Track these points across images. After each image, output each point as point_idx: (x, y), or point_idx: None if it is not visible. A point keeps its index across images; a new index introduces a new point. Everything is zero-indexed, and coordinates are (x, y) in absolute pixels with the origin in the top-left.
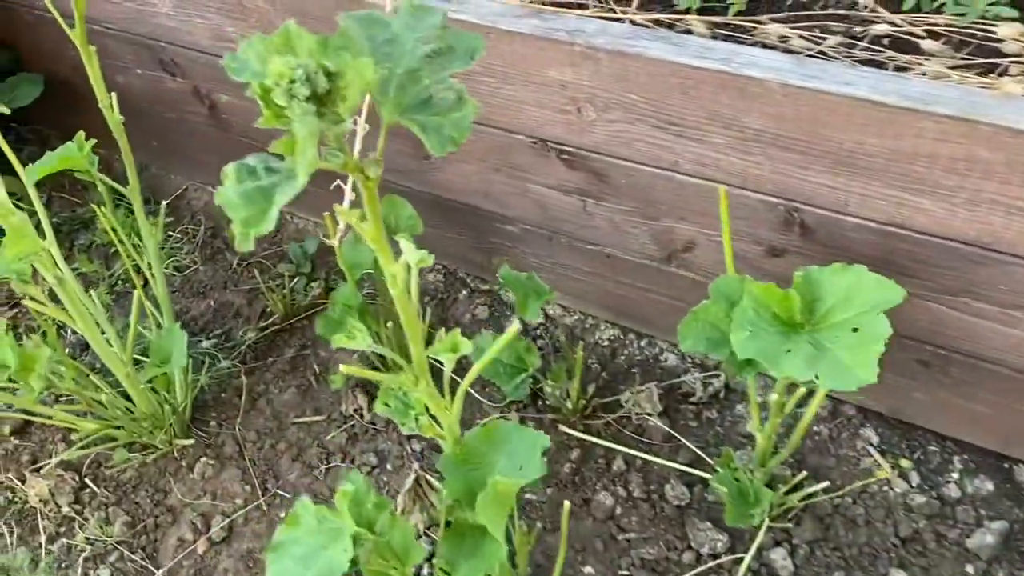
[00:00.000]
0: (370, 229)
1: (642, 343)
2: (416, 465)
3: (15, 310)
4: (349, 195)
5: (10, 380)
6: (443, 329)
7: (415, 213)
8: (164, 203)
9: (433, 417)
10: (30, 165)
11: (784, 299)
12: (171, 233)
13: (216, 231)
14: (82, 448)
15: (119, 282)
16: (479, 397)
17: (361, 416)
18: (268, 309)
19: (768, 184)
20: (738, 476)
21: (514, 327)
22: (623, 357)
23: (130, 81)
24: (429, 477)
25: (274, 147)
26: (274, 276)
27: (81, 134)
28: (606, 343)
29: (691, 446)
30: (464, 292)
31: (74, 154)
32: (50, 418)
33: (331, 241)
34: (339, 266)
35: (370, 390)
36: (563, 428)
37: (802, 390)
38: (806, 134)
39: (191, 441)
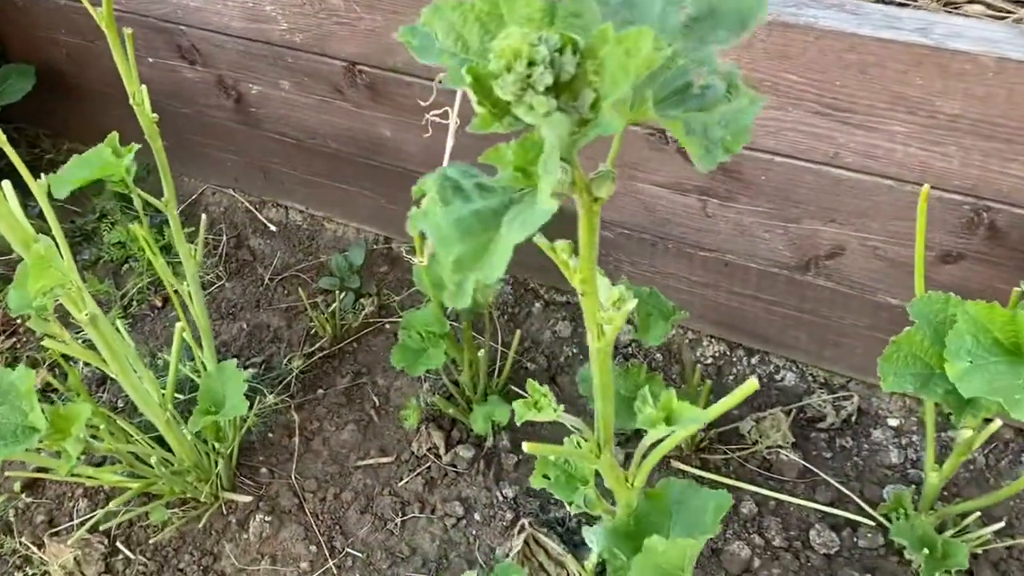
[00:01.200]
0: (582, 267)
1: (753, 360)
2: (524, 522)
3: (13, 339)
4: None
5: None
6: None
7: None
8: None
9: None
10: (49, 175)
11: (1010, 322)
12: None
13: (240, 240)
14: (115, 508)
15: (132, 303)
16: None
17: (438, 457)
18: (313, 331)
19: (955, 179)
20: (919, 525)
21: (751, 383)
22: (732, 377)
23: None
24: (538, 535)
25: (487, 157)
26: (315, 292)
27: (114, 136)
28: (710, 360)
29: (832, 481)
30: (538, 305)
31: (110, 161)
32: (77, 475)
33: (418, 260)
34: (395, 276)
35: (443, 425)
36: (676, 464)
37: (996, 424)
38: (1019, 120)
39: (246, 497)
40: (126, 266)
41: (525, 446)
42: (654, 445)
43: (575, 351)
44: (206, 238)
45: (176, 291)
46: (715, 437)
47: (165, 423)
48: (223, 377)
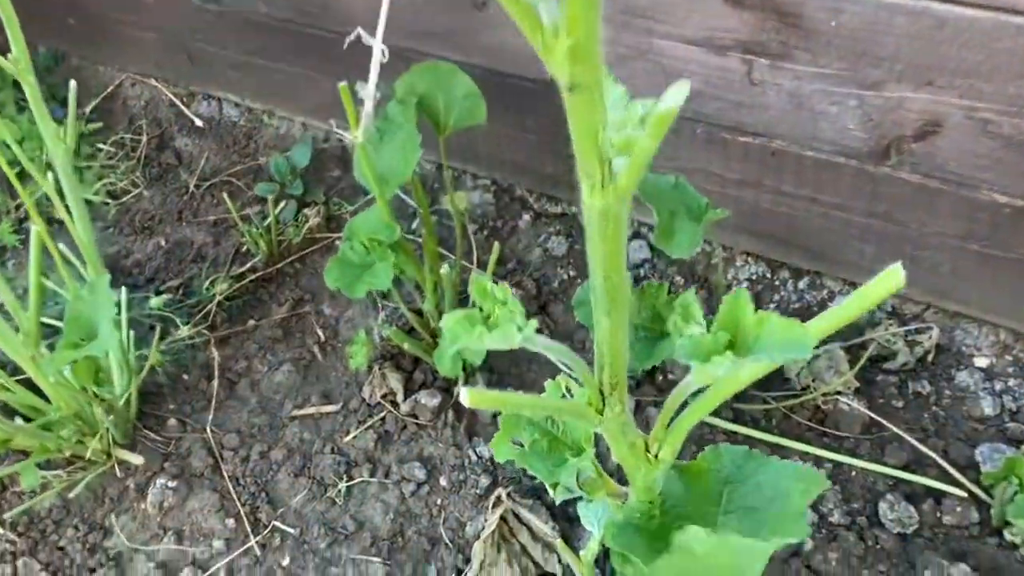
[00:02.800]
0: (572, 24)
1: (801, 284)
2: (501, 492)
3: None
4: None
5: None
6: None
7: (475, 90)
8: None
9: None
10: None
11: None
12: (101, 146)
13: (164, 140)
14: None
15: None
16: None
17: (395, 405)
18: (245, 249)
19: None
20: None
21: (893, 273)
22: (774, 305)
23: None
24: (519, 509)
25: None
26: (250, 202)
27: None
28: (744, 285)
29: (906, 438)
30: (526, 217)
31: None
32: None
33: (351, 136)
34: (349, 182)
35: (402, 365)
36: (706, 419)
37: None
38: None
39: (139, 458)
40: (19, 170)
41: (463, 393)
42: (697, 394)
43: (572, 274)
44: (121, 138)
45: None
46: (753, 380)
47: (31, 360)
48: (94, 299)
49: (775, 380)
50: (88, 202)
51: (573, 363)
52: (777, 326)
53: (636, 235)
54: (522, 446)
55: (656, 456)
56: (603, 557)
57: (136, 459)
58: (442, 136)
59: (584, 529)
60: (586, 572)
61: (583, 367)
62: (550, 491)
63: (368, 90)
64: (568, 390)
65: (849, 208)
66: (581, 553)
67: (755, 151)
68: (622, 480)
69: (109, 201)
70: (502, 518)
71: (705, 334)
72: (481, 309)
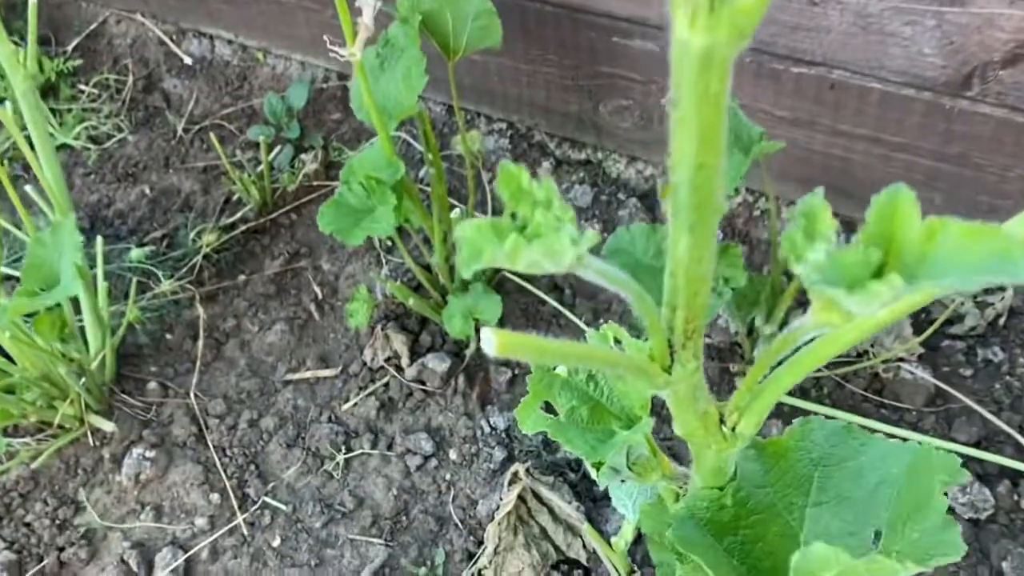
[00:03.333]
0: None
1: (852, 237)
2: (519, 467)
3: None
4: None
5: None
6: None
7: (489, 6)
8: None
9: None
10: None
11: None
12: (83, 87)
13: (152, 82)
14: None
15: (3, 161)
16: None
17: (399, 370)
18: (236, 198)
19: None
20: None
21: None
22: None
23: None
24: (540, 487)
25: None
26: (243, 147)
27: None
28: None
29: (977, 410)
30: (546, 164)
31: None
32: None
33: (347, 54)
34: (351, 125)
35: (408, 325)
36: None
37: None
38: None
39: (110, 425)
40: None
41: (487, 337)
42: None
43: (597, 227)
44: (105, 79)
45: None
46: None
47: None
48: (57, 243)
49: None
50: (68, 147)
51: (638, 299)
52: (960, 236)
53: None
54: (554, 415)
55: (733, 430)
56: (636, 543)
57: (108, 426)
58: (452, 61)
59: (611, 509)
60: (619, 562)
61: (651, 307)
62: (592, 472)
63: None
64: (617, 341)
65: (916, 150)
66: (612, 540)
67: (810, 84)
68: (682, 461)
69: (91, 146)
70: (520, 498)
71: (846, 251)
72: (513, 216)
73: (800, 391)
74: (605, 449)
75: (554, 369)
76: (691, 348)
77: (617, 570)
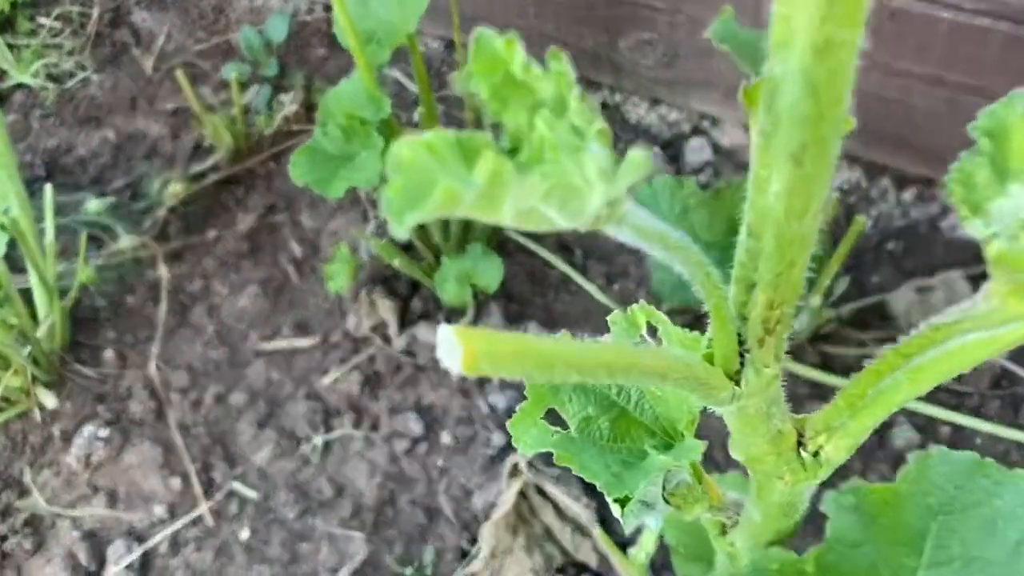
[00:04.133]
0: None
1: (906, 194)
2: (520, 461)
3: None
4: None
5: None
6: None
7: None
8: None
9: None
10: None
11: None
12: (43, 20)
13: (119, 15)
14: None
15: None
16: (590, 291)
17: (386, 340)
18: (207, 144)
19: None
20: None
21: None
22: (870, 222)
23: None
24: (544, 482)
25: None
26: (217, 88)
27: None
28: (835, 194)
29: None
30: None
31: None
32: None
33: None
34: (337, 62)
35: (396, 289)
36: (787, 364)
37: None
38: None
39: (51, 400)
40: None
41: (445, 338)
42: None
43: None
44: (67, 11)
45: None
46: (847, 317)
47: None
48: None
49: (874, 317)
50: (25, 87)
51: (702, 275)
52: None
53: (696, 131)
54: (562, 429)
55: (815, 455)
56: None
57: (51, 401)
58: None
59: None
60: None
61: (716, 287)
62: (614, 510)
63: None
64: (653, 331)
65: (988, 91)
66: (631, 551)
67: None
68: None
69: (50, 85)
70: (520, 493)
71: None
72: (495, 131)
73: (843, 367)
74: (634, 478)
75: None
76: (771, 347)
77: None
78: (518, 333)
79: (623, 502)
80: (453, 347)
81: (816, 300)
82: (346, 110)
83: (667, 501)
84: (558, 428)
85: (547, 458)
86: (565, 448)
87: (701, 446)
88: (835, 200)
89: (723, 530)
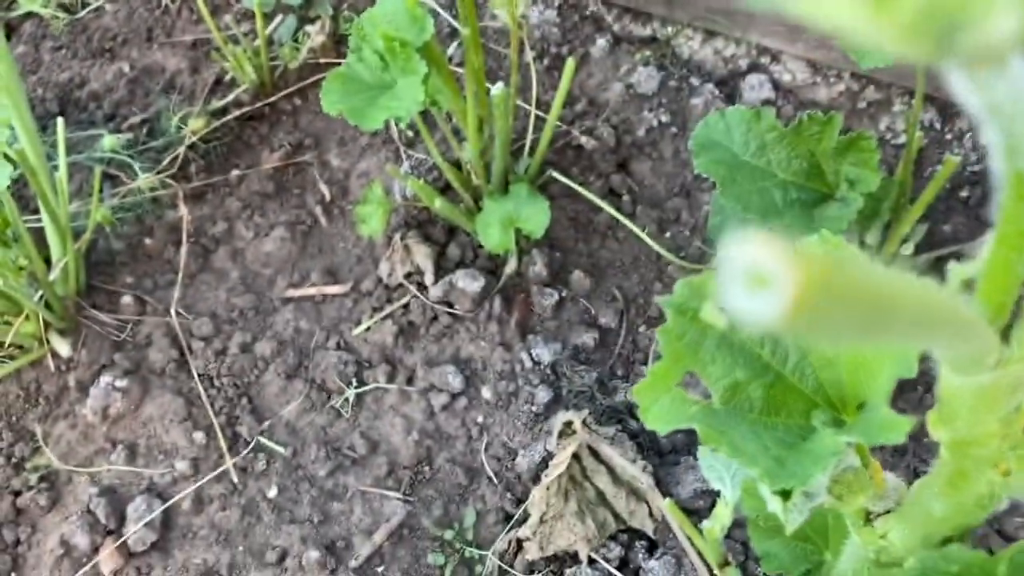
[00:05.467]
0: None
1: (984, 139)
2: (574, 417)
3: None
4: None
5: None
6: None
7: None
8: None
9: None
10: None
11: None
12: None
13: None
14: None
15: None
16: (651, 243)
17: (422, 289)
18: (229, 78)
19: None
20: None
21: None
22: (938, 168)
23: None
24: (599, 443)
25: None
26: (239, 18)
27: None
28: (900, 140)
29: None
30: (602, 42)
31: None
32: None
33: None
34: None
35: (432, 234)
36: None
37: None
38: None
39: (66, 348)
40: None
41: (770, 261)
42: None
43: (664, 119)
44: None
45: None
46: (923, 267)
47: None
48: None
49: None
50: (35, 16)
51: None
52: None
53: (754, 67)
54: (701, 400)
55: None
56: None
57: (66, 349)
58: None
59: (684, 468)
60: (710, 552)
61: None
62: (773, 505)
63: None
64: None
65: None
66: (705, 524)
67: None
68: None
69: (61, 15)
70: (575, 456)
71: None
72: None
73: None
74: (801, 463)
75: (698, 314)
76: None
77: (704, 560)
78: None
79: (785, 495)
80: (767, 275)
81: (892, 248)
82: (384, 32)
83: (830, 491)
84: (698, 399)
85: (597, 412)
86: (710, 423)
87: (905, 423)
88: (919, 138)
89: (867, 518)
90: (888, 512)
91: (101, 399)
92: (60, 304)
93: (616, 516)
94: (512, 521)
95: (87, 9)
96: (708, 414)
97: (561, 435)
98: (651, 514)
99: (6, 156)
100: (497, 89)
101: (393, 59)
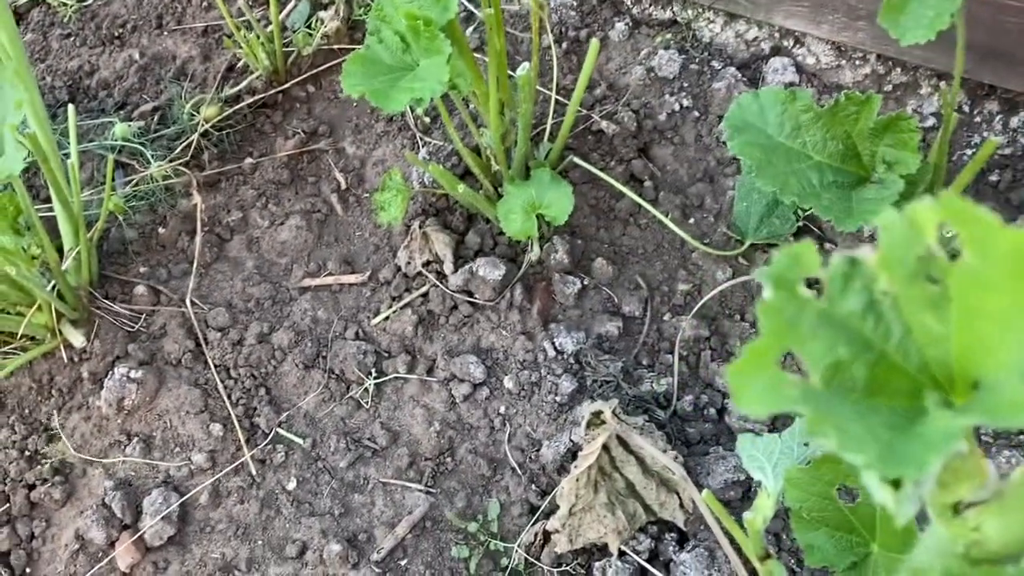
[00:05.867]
0: None
1: (1015, 121)
2: (604, 407)
3: None
4: None
5: None
6: None
7: None
8: None
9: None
10: None
11: None
12: None
13: None
14: None
15: None
16: (678, 231)
17: (441, 277)
18: (242, 64)
19: None
20: None
21: None
22: (971, 151)
23: None
24: (629, 431)
25: None
26: (251, 2)
27: None
28: (931, 119)
29: None
30: (621, 25)
31: None
32: None
33: None
34: None
35: (452, 222)
36: None
37: None
38: None
39: (80, 339)
40: None
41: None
42: None
43: (686, 103)
44: None
45: None
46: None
47: None
48: None
49: None
50: (43, 3)
51: None
52: None
53: (776, 50)
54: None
55: None
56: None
57: (79, 339)
58: None
59: (714, 457)
60: (750, 545)
61: None
62: (881, 495)
63: None
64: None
65: None
66: (746, 516)
67: None
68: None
69: (69, 2)
70: (604, 447)
71: None
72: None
73: None
74: (914, 449)
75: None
76: None
77: (739, 552)
78: None
79: (895, 483)
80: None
81: None
82: (408, 11)
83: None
84: (796, 378)
85: (624, 401)
86: (814, 406)
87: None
88: (955, 118)
89: (956, 509)
90: (978, 503)
91: (116, 391)
92: (73, 294)
93: (646, 507)
94: (538, 513)
95: None
96: (811, 396)
97: (589, 425)
98: (682, 505)
99: (31, 140)
100: (522, 71)
101: (416, 39)
